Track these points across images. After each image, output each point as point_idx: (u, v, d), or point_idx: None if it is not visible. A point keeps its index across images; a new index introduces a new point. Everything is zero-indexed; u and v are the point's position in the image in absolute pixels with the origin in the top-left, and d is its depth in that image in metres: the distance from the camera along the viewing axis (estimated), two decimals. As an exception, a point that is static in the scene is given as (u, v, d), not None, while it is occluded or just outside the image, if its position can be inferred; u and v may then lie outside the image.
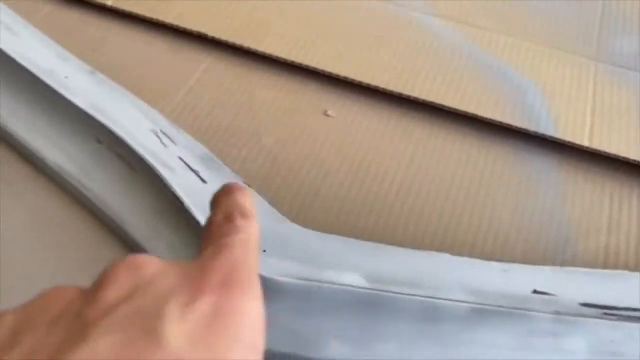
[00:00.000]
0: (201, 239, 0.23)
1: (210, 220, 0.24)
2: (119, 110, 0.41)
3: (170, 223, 0.37)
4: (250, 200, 0.24)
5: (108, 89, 0.42)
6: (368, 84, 0.48)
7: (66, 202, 0.39)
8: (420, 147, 0.46)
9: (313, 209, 0.42)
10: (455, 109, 0.47)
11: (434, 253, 0.38)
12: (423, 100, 0.48)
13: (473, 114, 0.47)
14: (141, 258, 0.19)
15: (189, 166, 0.39)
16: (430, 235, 0.41)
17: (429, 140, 0.47)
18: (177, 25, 0.51)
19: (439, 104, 0.48)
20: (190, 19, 0.51)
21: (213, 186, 0.38)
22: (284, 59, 0.49)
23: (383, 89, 0.48)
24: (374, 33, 0.53)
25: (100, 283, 0.18)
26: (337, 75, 0.49)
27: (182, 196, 0.36)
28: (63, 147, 0.40)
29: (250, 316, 0.18)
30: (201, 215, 0.35)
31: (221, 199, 0.25)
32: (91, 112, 0.39)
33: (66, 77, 0.42)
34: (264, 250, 0.35)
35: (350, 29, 0.53)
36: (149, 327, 0.16)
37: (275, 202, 0.40)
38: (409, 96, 0.48)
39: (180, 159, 0.39)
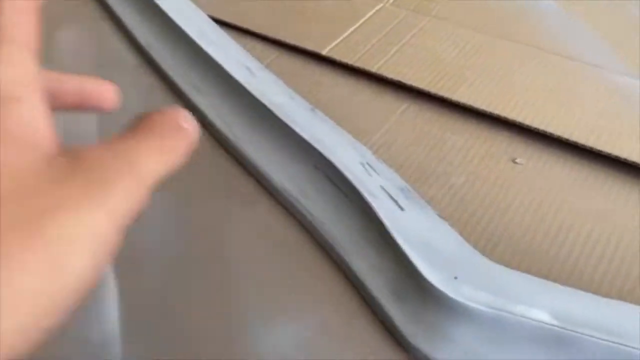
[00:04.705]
0: None
1: None
2: (334, 142, 0.47)
3: (373, 244, 0.42)
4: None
5: (325, 124, 0.49)
6: (559, 136, 0.50)
7: (283, 214, 0.47)
8: (609, 201, 0.47)
9: (498, 248, 0.44)
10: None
11: (620, 302, 0.38)
12: (614, 156, 0.48)
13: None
14: None
15: (389, 195, 0.44)
16: (617, 289, 0.41)
17: (618, 195, 0.47)
18: (379, 74, 0.58)
19: (630, 161, 0.48)
20: (391, 68, 0.58)
21: (410, 213, 0.43)
22: (476, 108, 0.53)
23: (573, 142, 0.50)
24: (568, 88, 0.55)
25: None
26: (528, 126, 0.51)
27: (384, 220, 0.41)
28: (286, 170, 0.47)
29: None
30: (401, 238, 0.40)
31: None
32: (312, 142, 0.47)
33: (292, 112, 0.50)
34: (456, 277, 0.38)
35: (542, 83, 0.56)
36: None
37: (462, 237, 0.43)
38: (600, 151, 0.49)
39: (382, 188, 0.45)
